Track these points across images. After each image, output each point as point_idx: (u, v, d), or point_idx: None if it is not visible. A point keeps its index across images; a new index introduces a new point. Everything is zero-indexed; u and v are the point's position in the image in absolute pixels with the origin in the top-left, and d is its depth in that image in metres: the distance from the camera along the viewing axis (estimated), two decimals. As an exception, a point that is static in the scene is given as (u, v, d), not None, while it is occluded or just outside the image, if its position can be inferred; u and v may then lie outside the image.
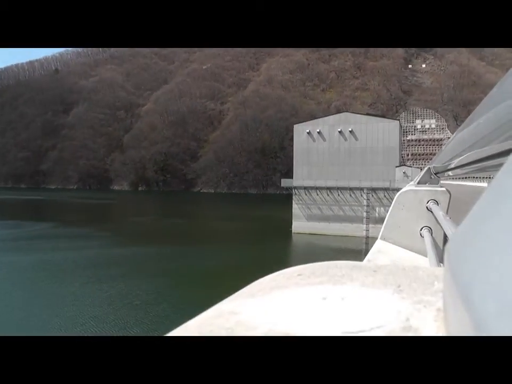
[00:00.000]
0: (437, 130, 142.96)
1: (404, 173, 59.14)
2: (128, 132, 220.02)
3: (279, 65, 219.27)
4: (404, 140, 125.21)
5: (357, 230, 57.89)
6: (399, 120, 75.03)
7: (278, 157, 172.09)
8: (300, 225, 61.34)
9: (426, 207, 3.11)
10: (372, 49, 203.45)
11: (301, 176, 62.74)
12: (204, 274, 36.76)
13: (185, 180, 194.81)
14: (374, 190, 58.19)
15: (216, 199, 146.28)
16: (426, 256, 2.54)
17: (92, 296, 30.52)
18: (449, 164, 2.52)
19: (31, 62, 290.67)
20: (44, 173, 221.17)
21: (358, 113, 69.93)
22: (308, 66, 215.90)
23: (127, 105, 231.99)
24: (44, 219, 78.25)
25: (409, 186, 3.45)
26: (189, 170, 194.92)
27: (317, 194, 60.86)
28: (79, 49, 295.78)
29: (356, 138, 60.67)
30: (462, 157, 1.82)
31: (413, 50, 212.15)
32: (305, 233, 59.41)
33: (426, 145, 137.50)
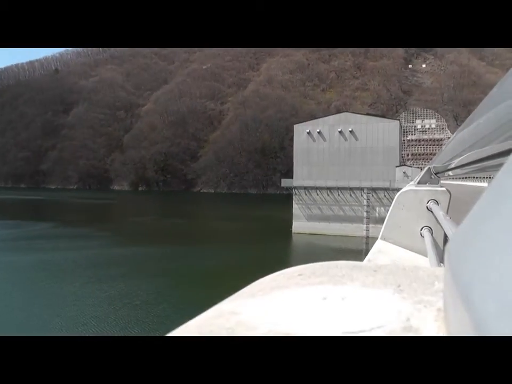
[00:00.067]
0: (437, 130, 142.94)
1: (404, 173, 59.13)
2: (128, 132, 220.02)
3: (279, 65, 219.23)
4: (404, 140, 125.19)
5: (357, 230, 57.88)
6: (399, 120, 75.04)
7: (278, 157, 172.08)
8: (300, 225, 61.33)
9: (427, 207, 3.11)
10: (372, 49, 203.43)
11: (301, 176, 62.72)
12: (204, 274, 36.77)
13: (185, 180, 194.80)
14: (374, 190, 58.18)
15: (216, 199, 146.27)
16: (426, 256, 2.55)
17: (92, 296, 30.53)
18: (450, 164, 2.52)
19: (31, 62, 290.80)
20: (44, 173, 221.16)
21: (358, 113, 69.94)
22: (308, 66, 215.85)
23: (127, 105, 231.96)
24: (43, 219, 78.26)
25: (410, 186, 3.45)
26: (189, 171, 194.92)
27: (317, 194, 60.85)
28: (79, 49, 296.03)
29: (356, 138, 60.67)
30: (462, 157, 1.82)
31: (413, 50, 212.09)
32: (305, 233, 59.40)
33: (426, 145, 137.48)
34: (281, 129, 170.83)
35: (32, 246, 50.58)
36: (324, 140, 62.40)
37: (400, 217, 3.19)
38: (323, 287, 0.72)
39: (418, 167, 67.26)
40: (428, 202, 3.11)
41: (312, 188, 60.97)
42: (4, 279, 34.92)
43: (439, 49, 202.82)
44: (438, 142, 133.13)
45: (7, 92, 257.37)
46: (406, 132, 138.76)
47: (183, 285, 33.89)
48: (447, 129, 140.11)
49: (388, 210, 3.35)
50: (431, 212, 3.03)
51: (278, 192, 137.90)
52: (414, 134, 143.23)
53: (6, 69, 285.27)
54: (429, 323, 0.54)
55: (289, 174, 71.35)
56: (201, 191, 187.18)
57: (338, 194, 59.89)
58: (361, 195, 58.82)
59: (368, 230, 56.78)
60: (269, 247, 49.61)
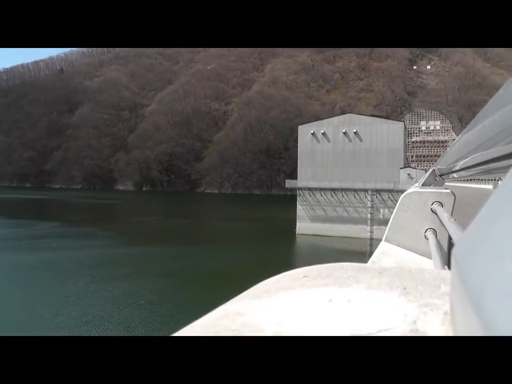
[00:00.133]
0: (442, 132, 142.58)
1: (408, 174, 58.94)
2: (132, 132, 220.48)
3: (284, 66, 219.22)
4: (408, 142, 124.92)
5: (361, 231, 57.74)
6: (403, 121, 74.96)
7: (283, 157, 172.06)
8: (304, 226, 61.24)
9: (431, 209, 3.10)
10: (376, 50, 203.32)
11: (305, 177, 62.65)
12: (208, 275, 36.76)
13: (190, 180, 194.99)
14: (378, 191, 58.04)
15: (221, 199, 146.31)
16: (430, 258, 2.54)
17: (96, 295, 30.58)
18: (454, 166, 2.51)
19: (36, 62, 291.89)
20: (49, 173, 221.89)
21: (362, 115, 69.84)
22: (312, 67, 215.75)
23: (132, 106, 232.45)
24: (48, 218, 78.45)
25: (414, 188, 3.44)
26: (193, 171, 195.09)
27: (321, 196, 60.78)
28: (84, 49, 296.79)
29: (361, 140, 60.57)
30: (467, 159, 1.81)
31: (417, 51, 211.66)
32: (309, 234, 59.32)
33: (431, 147, 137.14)
34: (285, 130, 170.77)
35: (37, 245, 50.71)
36: (328, 141, 62.32)
37: (404, 219, 3.19)
38: (329, 289, 0.72)
39: (422, 169, 67.03)
40: (432, 204, 3.11)
41: (316, 189, 60.91)
42: (8, 278, 35.04)
43: (443, 51, 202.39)
44: (443, 144, 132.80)
45: (12, 92, 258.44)
46: (411, 133, 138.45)
47: (188, 285, 33.90)
48: (451, 131, 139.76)
49: (392, 212, 3.35)
50: (436, 214, 3.02)
51: (282, 193, 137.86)
52: (419, 136, 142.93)
53: (12, 69, 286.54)
54: (436, 326, 0.54)
55: (293, 175, 71.33)
56: (205, 191, 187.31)
57: (343, 196, 59.81)
58: (366, 196, 58.70)
59: (372, 232, 56.63)
60: (273, 248, 49.58)
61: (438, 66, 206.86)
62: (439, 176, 3.34)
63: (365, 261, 2.39)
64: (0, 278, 34.77)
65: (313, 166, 62.62)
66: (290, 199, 79.74)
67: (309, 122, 69.73)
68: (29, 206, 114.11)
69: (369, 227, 57.77)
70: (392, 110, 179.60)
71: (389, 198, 56.82)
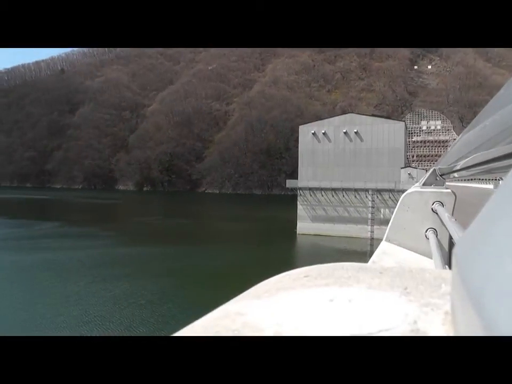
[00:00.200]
0: (443, 132, 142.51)
1: (409, 174, 58.92)
2: (133, 132, 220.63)
3: (285, 66, 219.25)
4: (409, 141, 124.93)
5: (362, 231, 57.74)
6: (404, 121, 74.87)
7: (283, 157, 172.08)
8: (304, 226, 61.24)
9: (432, 209, 3.10)
10: (377, 50, 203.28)
11: (306, 177, 62.66)
12: (209, 275, 36.77)
13: (190, 180, 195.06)
14: (379, 191, 58.03)
15: (221, 199, 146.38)
16: (431, 258, 2.54)
17: (96, 295, 30.60)
18: (455, 166, 2.51)
19: (37, 62, 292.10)
20: (50, 173, 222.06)
21: (363, 114, 69.80)
22: (313, 67, 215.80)
23: (133, 106, 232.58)
24: (49, 218, 78.53)
25: (415, 188, 3.44)
26: (194, 171, 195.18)
27: (322, 195, 60.78)
28: (85, 50, 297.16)
29: (361, 140, 60.55)
30: (468, 158, 1.81)
31: (418, 51, 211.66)
32: (310, 234, 59.32)
33: (431, 147, 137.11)
34: (286, 130, 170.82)
35: (37, 245, 50.75)
36: (329, 140, 62.31)
37: (405, 218, 3.19)
38: (329, 289, 0.72)
39: (423, 169, 67.00)
40: (433, 204, 3.10)
41: (317, 188, 60.91)
42: (9, 278, 35.07)
43: (444, 50, 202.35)
44: (444, 144, 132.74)
45: (13, 92, 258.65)
46: (412, 133, 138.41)
47: (188, 285, 33.91)
48: (452, 130, 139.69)
49: (393, 211, 3.34)
50: (436, 213, 3.02)
51: (282, 193, 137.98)
52: (420, 136, 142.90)
53: (13, 69, 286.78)
54: (437, 326, 0.54)
55: (294, 174, 71.31)
56: (206, 191, 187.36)
57: (343, 196, 59.80)
58: (366, 196, 58.69)
59: (373, 232, 56.64)
60: (274, 248, 49.61)
61: (439, 66, 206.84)
62: (440, 175, 3.34)
63: (366, 261, 2.39)
64: (1, 278, 34.81)
65: (314, 166, 62.62)
66: (291, 199, 79.76)
67: (310, 122, 69.69)
68: (30, 206, 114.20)
69: (369, 227, 57.77)
70: (393, 110, 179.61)
71: (390, 197, 56.82)
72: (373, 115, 77.17)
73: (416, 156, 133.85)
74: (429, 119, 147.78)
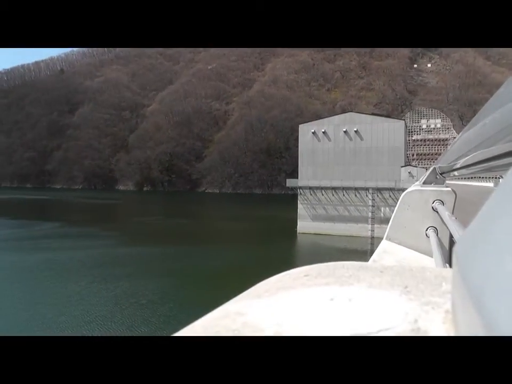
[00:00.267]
0: (443, 130, 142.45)
1: (409, 173, 58.92)
2: (133, 132, 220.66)
3: (284, 65, 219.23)
4: (409, 140, 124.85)
5: (362, 230, 57.76)
6: (404, 120, 74.87)
7: (283, 157, 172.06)
8: (305, 225, 61.28)
9: (432, 207, 3.10)
10: (377, 49, 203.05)
11: (306, 176, 62.69)
12: (209, 275, 36.79)
13: (190, 180, 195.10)
14: (379, 190, 58.05)
15: (221, 199, 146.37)
16: (432, 256, 2.54)
17: (97, 295, 30.63)
18: (455, 164, 2.51)
19: (37, 63, 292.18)
20: (49, 173, 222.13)
21: (363, 113, 69.83)
22: (313, 66, 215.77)
23: (132, 106, 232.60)
24: (49, 219, 78.56)
25: (415, 187, 3.44)
26: (194, 171, 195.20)
27: (322, 194, 60.80)
28: (85, 50, 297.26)
29: (361, 138, 60.56)
30: (468, 157, 1.80)
31: (418, 49, 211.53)
32: (310, 233, 59.34)
33: (431, 145, 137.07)
34: (286, 129, 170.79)
35: (38, 245, 50.79)
36: (329, 139, 62.32)
37: (405, 217, 3.19)
38: (330, 288, 0.72)
39: (423, 167, 66.98)
40: (433, 203, 3.10)
41: (317, 188, 60.93)
42: (10, 278, 35.09)
43: (444, 49, 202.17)
44: (444, 142, 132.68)
45: (13, 93, 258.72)
46: (411, 131, 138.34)
47: (189, 285, 33.93)
48: (452, 129, 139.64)
49: (393, 210, 3.34)
50: (437, 212, 3.02)
51: (283, 192, 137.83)
52: (419, 134, 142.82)
53: (12, 70, 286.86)
54: (437, 325, 0.54)
55: (294, 174, 71.34)
56: (206, 191, 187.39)
57: (344, 195, 59.82)
58: (367, 195, 58.71)
59: (373, 230, 56.67)
60: (274, 247, 49.64)
61: (439, 64, 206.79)
62: (440, 174, 3.34)
63: (366, 260, 2.38)
64: (2, 278, 34.84)
65: (314, 165, 62.63)
66: (291, 198, 79.75)
67: (310, 121, 69.68)
68: (30, 207, 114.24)
69: (370, 226, 57.80)
70: (392, 109, 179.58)
71: (390, 196, 56.85)
72: (372, 114, 77.17)
73: (416, 155, 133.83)
74: (429, 118, 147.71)
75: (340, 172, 60.40)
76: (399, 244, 3.17)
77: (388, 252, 3.00)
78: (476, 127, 1.59)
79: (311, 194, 61.53)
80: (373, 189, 58.13)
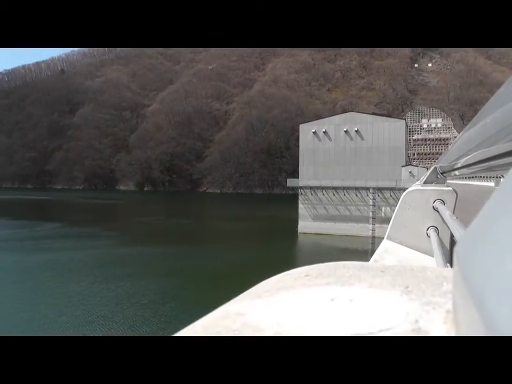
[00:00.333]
0: (443, 130, 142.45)
1: (410, 172, 58.91)
2: (134, 132, 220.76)
3: (285, 65, 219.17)
4: (410, 139, 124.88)
5: (363, 230, 57.76)
6: (405, 119, 74.81)
7: (284, 156, 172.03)
8: (305, 225, 61.28)
9: (433, 207, 3.10)
10: (377, 48, 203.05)
11: (306, 176, 62.68)
12: (210, 275, 36.79)
13: (191, 180, 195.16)
14: (380, 189, 58.03)
15: (222, 199, 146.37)
16: (432, 256, 2.54)
17: (98, 295, 30.66)
18: (456, 164, 2.51)
19: (37, 63, 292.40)
20: (50, 173, 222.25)
21: (363, 113, 69.78)
22: (313, 66, 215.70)
23: (133, 106, 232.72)
24: (50, 219, 78.60)
25: (416, 186, 3.44)
26: (195, 171, 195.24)
27: (323, 194, 60.79)
28: (85, 50, 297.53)
29: (362, 138, 60.54)
30: (469, 156, 1.80)
31: (419, 49, 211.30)
32: (311, 233, 59.34)
33: (432, 145, 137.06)
34: (287, 129, 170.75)
35: (39, 245, 50.84)
36: (330, 139, 62.30)
37: (406, 217, 3.19)
38: (330, 288, 0.72)
39: (424, 167, 66.96)
40: (434, 202, 3.10)
41: (318, 187, 60.92)
42: (12, 278, 35.12)
43: (445, 49, 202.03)
44: (444, 142, 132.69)
45: (14, 93, 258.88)
46: (412, 131, 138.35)
47: (189, 285, 33.93)
48: (453, 128, 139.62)
49: (394, 210, 3.34)
50: (437, 211, 3.02)
51: (283, 192, 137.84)
52: (420, 134, 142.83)
53: (13, 70, 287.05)
54: (438, 325, 0.54)
55: (295, 174, 71.28)
56: (207, 191, 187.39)
57: (344, 194, 59.79)
58: (367, 195, 58.69)
59: (374, 230, 56.64)
60: (275, 247, 49.62)
61: (440, 64, 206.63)
62: (441, 173, 3.33)
63: (367, 260, 2.38)
64: (3, 278, 34.88)
65: (315, 165, 62.62)
66: (292, 198, 79.76)
67: (310, 121, 69.65)
68: (31, 207, 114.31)
69: (371, 225, 57.78)
70: (393, 108, 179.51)
71: (391, 196, 56.82)
72: (373, 113, 77.22)
73: (417, 154, 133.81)
74: (430, 117, 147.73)
75: (341, 171, 60.38)
76: (400, 243, 3.17)
77: (388, 252, 3.00)
78: (476, 126, 1.59)
79: (312, 194, 61.51)
80: (373, 188, 58.10)
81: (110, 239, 56.70)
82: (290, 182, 65.85)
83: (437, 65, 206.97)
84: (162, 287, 32.54)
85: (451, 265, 1.93)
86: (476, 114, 1.77)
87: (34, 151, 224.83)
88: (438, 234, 2.99)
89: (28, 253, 45.56)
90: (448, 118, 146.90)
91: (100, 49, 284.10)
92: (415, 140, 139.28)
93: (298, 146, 66.88)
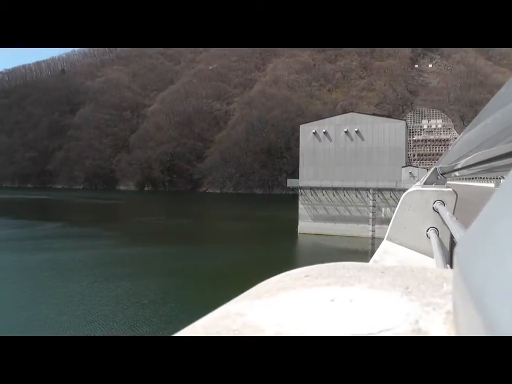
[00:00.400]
0: (444, 131, 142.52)
1: (410, 173, 58.93)
2: (134, 132, 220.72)
3: (285, 65, 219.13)
4: (410, 140, 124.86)
5: (363, 230, 57.73)
6: (405, 120, 74.80)
7: (284, 157, 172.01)
8: (305, 225, 61.26)
9: (433, 208, 3.10)
10: (378, 49, 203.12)
11: (307, 177, 62.67)
12: (210, 275, 36.79)
13: (191, 180, 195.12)
14: (380, 190, 58.02)
15: (222, 199, 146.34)
16: (432, 257, 2.54)
17: (99, 295, 30.66)
18: (456, 165, 2.51)
19: (38, 63, 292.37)
20: (51, 173, 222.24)
21: (364, 113, 69.71)
22: (313, 66, 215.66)
23: (133, 106, 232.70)
24: (50, 219, 78.60)
25: (416, 187, 3.44)
26: (195, 171, 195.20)
27: (323, 195, 60.78)
28: (86, 50, 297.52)
29: (362, 139, 60.53)
30: (469, 157, 1.80)
31: (419, 50, 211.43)
32: (311, 234, 59.32)
33: (432, 146, 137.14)
34: (287, 129, 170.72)
35: (39, 245, 50.84)
36: (330, 140, 62.30)
37: (406, 218, 3.19)
38: (330, 289, 0.72)
39: (424, 168, 66.95)
40: (434, 203, 3.10)
41: (318, 188, 60.91)
42: (12, 278, 35.12)
43: (445, 49, 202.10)
44: (445, 142, 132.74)
45: (14, 93, 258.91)
46: (412, 132, 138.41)
47: (190, 285, 33.94)
48: (453, 129, 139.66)
49: (394, 211, 3.34)
50: (437, 212, 3.02)
51: (284, 193, 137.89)
52: (420, 134, 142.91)
53: (13, 70, 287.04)
54: (438, 326, 0.54)
55: (295, 174, 71.26)
56: (207, 191, 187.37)
57: (344, 195, 59.78)
58: (367, 195, 58.69)
59: (374, 231, 56.62)
60: (275, 248, 49.59)
61: (440, 64, 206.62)
62: (441, 174, 3.34)
63: (367, 260, 2.39)
64: (3, 278, 34.88)
65: (315, 165, 62.61)
66: (292, 198, 79.75)
67: (311, 121, 69.65)
68: (32, 207, 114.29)
69: (371, 226, 57.76)
70: (393, 109, 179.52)
71: (391, 196, 56.82)
72: (373, 114, 77.15)
73: (417, 155, 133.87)
74: (430, 118, 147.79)
75: (341, 172, 60.38)
76: (400, 244, 3.17)
77: (388, 253, 3.00)
78: (477, 127, 1.59)
79: (312, 194, 61.50)
80: (373, 189, 58.09)
81: (110, 239, 56.70)
82: (291, 183, 65.85)
83: (437, 66, 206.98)
84: (162, 287, 32.54)
85: (451, 266, 1.94)
86: (476, 115, 1.77)
87: (35, 151, 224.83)
88: (438, 235, 2.99)
89: (28, 253, 45.56)
90: (449, 119, 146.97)
91: (101, 49, 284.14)
92: (415, 140, 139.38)
93: (298, 146, 66.86)
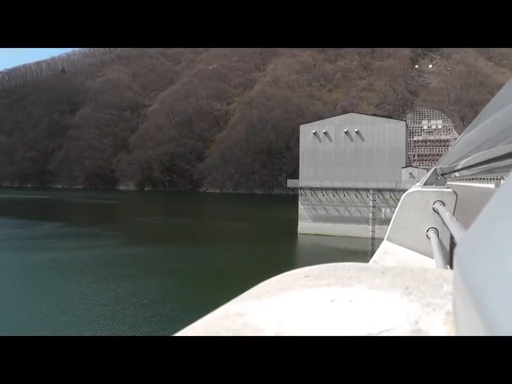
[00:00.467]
0: (444, 131, 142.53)
1: (410, 173, 58.93)
2: (134, 132, 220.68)
3: (285, 65, 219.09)
4: (410, 141, 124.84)
5: (363, 231, 57.70)
6: (405, 120, 74.83)
7: (284, 157, 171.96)
8: (305, 225, 61.24)
9: (433, 208, 3.10)
10: (378, 49, 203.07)
11: (307, 177, 62.67)
12: (210, 275, 36.78)
13: (191, 180, 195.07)
14: (380, 190, 58.01)
15: (222, 199, 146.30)
16: (432, 257, 2.54)
17: (99, 295, 30.66)
18: (456, 165, 2.51)
19: (38, 63, 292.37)
20: (51, 173, 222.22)
21: (364, 114, 69.75)
22: (314, 66, 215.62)
23: (133, 106, 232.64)
24: (50, 219, 78.61)
25: (416, 187, 3.44)
26: (195, 171, 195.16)
27: (323, 195, 60.77)
28: (86, 50, 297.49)
29: (362, 139, 60.53)
30: (469, 158, 1.80)
31: (419, 50, 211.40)
32: (311, 234, 59.30)
33: (432, 146, 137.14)
34: (287, 129, 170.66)
35: (39, 245, 50.84)
36: (330, 140, 62.31)
37: (406, 218, 3.19)
38: (330, 289, 0.72)
39: (424, 168, 66.98)
40: (434, 204, 3.10)
41: (318, 188, 60.89)
42: (12, 278, 35.12)
43: (445, 49, 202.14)
44: (445, 143, 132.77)
45: (14, 93, 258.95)
46: (413, 132, 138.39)
47: (190, 285, 33.93)
48: (453, 130, 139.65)
49: (394, 211, 3.34)
50: (437, 213, 3.02)
51: (284, 193, 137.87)
52: (421, 135, 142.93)
53: (14, 70, 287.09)
54: (438, 326, 0.54)
55: (295, 174, 71.27)
56: (207, 191, 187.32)
57: (344, 195, 59.77)
58: (367, 196, 58.66)
59: (374, 231, 56.59)
60: (275, 248, 49.57)
61: (440, 65, 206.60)
62: (441, 175, 3.34)
63: (367, 261, 2.39)
64: (3, 278, 34.88)
65: (315, 166, 62.62)
66: (292, 198, 79.74)
67: (311, 121, 69.67)
68: (32, 206, 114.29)
69: (371, 226, 57.73)
70: (394, 109, 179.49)
71: (391, 197, 56.81)
72: (374, 114, 77.14)
73: (417, 155, 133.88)
74: (430, 119, 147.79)
75: (341, 172, 60.37)
76: (400, 244, 3.17)
77: (388, 253, 3.00)
78: (477, 128, 1.59)
79: (312, 194, 61.48)
80: (373, 189, 58.07)
81: (110, 239, 56.69)
82: (291, 183, 65.85)
83: (438, 66, 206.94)
84: (162, 287, 32.54)
85: (451, 267, 1.94)
86: (476, 115, 1.77)
87: (35, 151, 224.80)
88: (438, 236, 2.99)
89: (28, 253, 45.57)
90: (449, 119, 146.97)
91: (101, 49, 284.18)
92: (415, 141, 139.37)
93: (298, 147, 66.88)
